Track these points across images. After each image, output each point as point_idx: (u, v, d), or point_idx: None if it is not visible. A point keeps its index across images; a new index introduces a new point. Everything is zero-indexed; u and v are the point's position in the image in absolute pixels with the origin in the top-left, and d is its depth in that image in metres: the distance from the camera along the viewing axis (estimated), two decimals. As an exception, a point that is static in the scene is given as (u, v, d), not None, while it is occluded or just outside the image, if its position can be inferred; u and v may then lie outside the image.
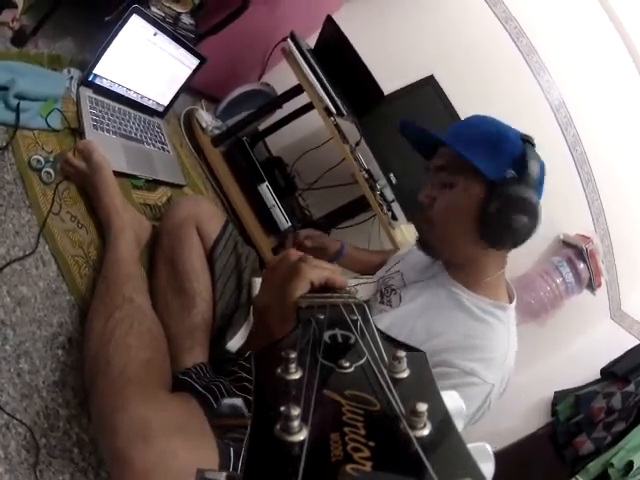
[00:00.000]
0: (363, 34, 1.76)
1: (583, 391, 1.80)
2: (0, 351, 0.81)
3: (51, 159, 1.05)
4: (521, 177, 0.79)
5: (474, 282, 0.89)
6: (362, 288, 1.11)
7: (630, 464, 1.38)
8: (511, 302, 0.90)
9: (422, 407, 0.19)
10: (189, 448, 0.69)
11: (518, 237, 0.81)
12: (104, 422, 0.71)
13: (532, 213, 0.79)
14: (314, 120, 1.88)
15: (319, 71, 1.59)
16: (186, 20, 1.37)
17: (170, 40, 1.32)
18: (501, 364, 0.81)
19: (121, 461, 0.67)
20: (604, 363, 1.88)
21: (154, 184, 1.36)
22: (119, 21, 1.15)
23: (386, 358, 0.26)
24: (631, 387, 1.59)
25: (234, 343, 1.11)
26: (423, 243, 0.95)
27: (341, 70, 1.69)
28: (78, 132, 1.15)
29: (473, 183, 0.82)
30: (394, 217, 1.76)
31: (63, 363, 0.90)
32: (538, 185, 0.82)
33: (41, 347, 0.88)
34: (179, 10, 1.31)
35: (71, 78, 1.19)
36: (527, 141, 0.84)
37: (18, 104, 0.98)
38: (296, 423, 0.19)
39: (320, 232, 1.46)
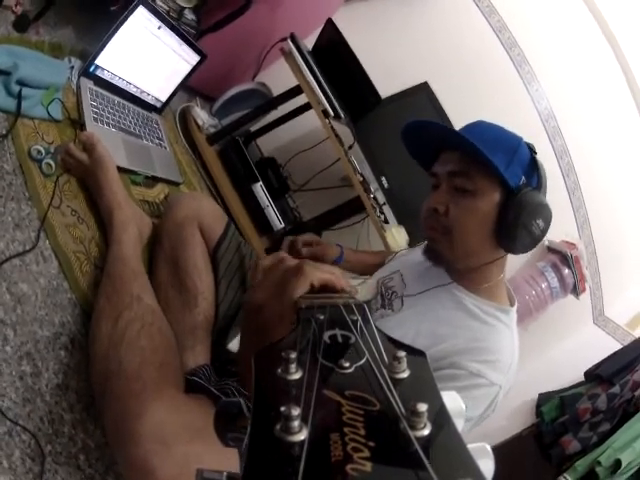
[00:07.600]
0: (357, 37, 1.76)
1: (568, 393, 1.85)
2: (0, 352, 0.77)
3: (51, 150, 1.01)
4: (539, 185, 0.82)
5: (476, 286, 0.89)
6: (362, 289, 1.11)
7: (618, 462, 1.42)
8: (512, 305, 0.91)
9: (422, 407, 0.19)
10: (213, 451, 0.67)
11: (535, 243, 0.83)
12: (122, 428, 0.68)
13: (549, 218, 0.81)
14: (305, 122, 1.88)
15: (318, 73, 1.59)
16: (189, 15, 1.34)
17: (173, 35, 1.29)
18: (507, 366, 0.81)
19: (142, 469, 0.64)
20: (586, 366, 1.94)
21: (152, 181, 1.32)
22: (125, 11, 1.11)
23: (386, 358, 0.26)
24: (616, 389, 1.64)
25: (236, 343, 1.09)
26: (431, 252, 0.91)
27: (338, 72, 1.69)
28: (78, 124, 1.11)
29: (492, 189, 0.82)
30: (386, 220, 1.77)
31: (66, 365, 0.85)
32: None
33: (43, 348, 0.84)
34: (183, 5, 1.29)
35: (72, 68, 1.14)
36: (531, 148, 0.85)
37: (20, 90, 0.94)
38: (296, 423, 0.19)
39: (319, 238, 1.43)
